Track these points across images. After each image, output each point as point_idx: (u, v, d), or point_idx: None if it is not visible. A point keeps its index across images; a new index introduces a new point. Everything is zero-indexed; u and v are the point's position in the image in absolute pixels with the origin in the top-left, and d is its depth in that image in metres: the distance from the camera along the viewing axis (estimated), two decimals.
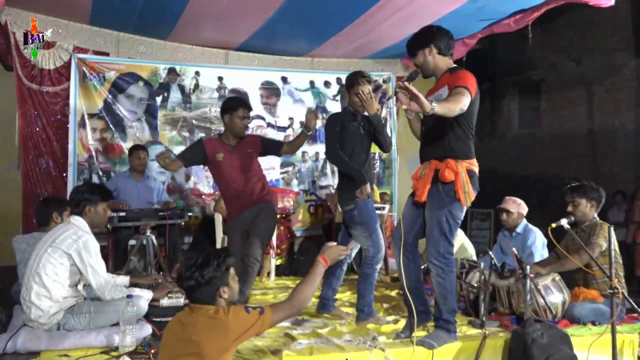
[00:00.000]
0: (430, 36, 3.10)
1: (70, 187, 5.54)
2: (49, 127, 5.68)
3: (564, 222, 3.17)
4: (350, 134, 3.66)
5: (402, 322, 3.47)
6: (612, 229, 3.09)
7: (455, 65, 3.17)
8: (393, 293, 4.55)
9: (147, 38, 6.10)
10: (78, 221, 3.10)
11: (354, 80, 3.67)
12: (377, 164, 7.08)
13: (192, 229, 5.86)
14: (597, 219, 3.74)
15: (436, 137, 3.08)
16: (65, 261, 2.96)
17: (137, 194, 5.21)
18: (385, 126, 4.08)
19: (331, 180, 6.69)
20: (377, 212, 5.10)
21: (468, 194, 3.00)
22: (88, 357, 2.74)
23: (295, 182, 6.66)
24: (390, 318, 3.67)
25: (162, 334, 2.27)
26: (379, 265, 3.75)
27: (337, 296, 4.03)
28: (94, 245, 3.03)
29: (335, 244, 2.55)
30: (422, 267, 4.55)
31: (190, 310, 2.21)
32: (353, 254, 3.96)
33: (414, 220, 3.20)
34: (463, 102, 2.82)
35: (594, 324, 3.39)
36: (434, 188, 3.05)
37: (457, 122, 3.02)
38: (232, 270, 2.25)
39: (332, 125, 3.70)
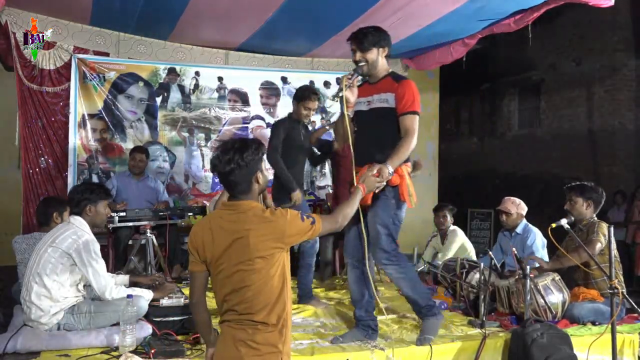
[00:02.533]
0: (386, 38, 3.11)
1: (70, 188, 5.55)
2: (49, 127, 5.68)
3: (563, 222, 3.17)
4: (293, 141, 4.03)
5: (407, 322, 3.50)
6: (611, 228, 3.10)
7: (392, 70, 3.19)
8: (393, 293, 4.55)
9: (147, 38, 6.10)
10: (78, 221, 3.10)
11: (307, 96, 3.99)
12: None
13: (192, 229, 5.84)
14: (595, 218, 3.74)
15: (377, 140, 3.07)
16: (66, 261, 2.96)
17: (137, 193, 5.22)
18: None
19: (329, 180, 6.69)
20: None
21: (412, 196, 3.05)
22: (88, 357, 2.74)
23: None
24: (390, 317, 3.66)
25: (196, 246, 2.12)
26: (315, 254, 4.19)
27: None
28: (95, 245, 3.03)
29: (375, 171, 2.60)
30: (420, 269, 4.59)
31: (232, 209, 2.11)
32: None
33: (356, 226, 3.12)
34: (414, 137, 2.98)
35: (593, 323, 3.39)
36: (380, 191, 3.01)
37: (397, 128, 3.04)
38: (265, 158, 2.23)
39: (278, 131, 4.03)
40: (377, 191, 2.91)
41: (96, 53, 5.87)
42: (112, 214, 4.51)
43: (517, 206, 4.41)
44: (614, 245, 3.05)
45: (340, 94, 2.99)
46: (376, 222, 3.04)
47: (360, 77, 3.10)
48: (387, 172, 2.84)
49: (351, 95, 3.03)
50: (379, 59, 3.09)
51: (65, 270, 2.97)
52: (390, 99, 3.04)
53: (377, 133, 3.08)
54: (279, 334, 2.03)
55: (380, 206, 3.03)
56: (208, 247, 2.09)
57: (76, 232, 3.03)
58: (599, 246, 3.53)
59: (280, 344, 2.03)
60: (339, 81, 3.04)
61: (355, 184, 2.96)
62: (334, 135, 3.94)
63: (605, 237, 3.55)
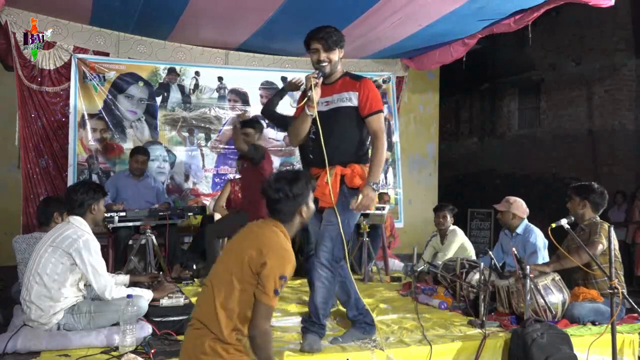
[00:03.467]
0: (344, 38, 3.10)
1: None
2: (49, 127, 5.69)
3: (563, 222, 3.17)
4: None
5: (406, 322, 3.50)
6: (612, 228, 3.10)
7: (347, 70, 3.17)
8: (392, 293, 4.56)
9: (147, 38, 6.10)
10: (78, 221, 3.10)
11: None
12: None
13: (192, 229, 5.86)
14: (598, 219, 3.73)
15: (339, 141, 3.01)
16: (66, 260, 2.96)
17: (137, 193, 5.21)
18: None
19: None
20: (377, 212, 5.15)
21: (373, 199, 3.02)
22: (88, 357, 2.74)
23: None
24: (391, 317, 3.67)
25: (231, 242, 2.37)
26: None
27: None
28: (95, 245, 3.03)
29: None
30: (420, 268, 4.58)
31: (266, 223, 2.30)
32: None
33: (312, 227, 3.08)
34: (385, 136, 3.01)
35: (593, 323, 3.39)
36: (340, 193, 2.98)
37: (359, 128, 3.03)
38: (312, 193, 2.38)
39: None
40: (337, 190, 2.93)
41: (96, 53, 5.87)
42: (112, 213, 4.51)
43: (510, 205, 4.36)
44: (615, 246, 3.04)
45: (310, 94, 2.93)
46: (329, 223, 2.97)
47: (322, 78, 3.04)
48: (373, 194, 2.91)
49: (316, 95, 2.97)
50: (338, 59, 3.07)
51: (66, 270, 2.97)
52: (354, 97, 3.02)
53: (341, 132, 3.02)
54: (226, 344, 2.10)
55: (337, 207, 2.95)
56: (231, 239, 2.34)
57: (76, 231, 3.03)
58: (600, 248, 3.51)
59: (225, 352, 2.09)
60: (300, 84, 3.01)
61: (319, 185, 2.93)
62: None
63: (607, 238, 3.52)
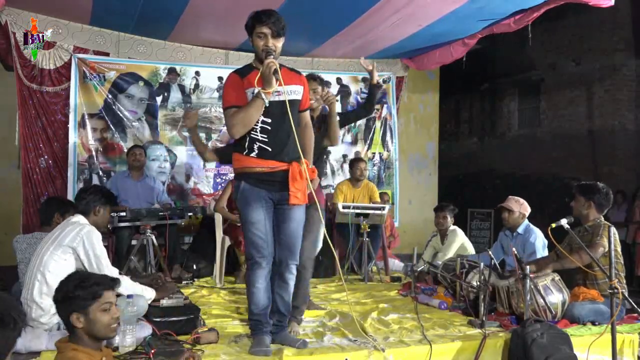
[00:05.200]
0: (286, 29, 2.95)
1: (70, 187, 5.58)
2: (49, 127, 5.69)
3: (563, 222, 3.17)
4: None
5: (406, 322, 3.51)
6: (612, 229, 3.09)
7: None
8: (393, 293, 4.56)
9: (147, 38, 6.10)
10: (79, 217, 3.13)
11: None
12: (379, 164, 7.11)
13: (192, 229, 5.86)
14: (602, 219, 3.71)
15: (291, 136, 2.87)
16: (69, 256, 2.97)
17: (137, 193, 5.22)
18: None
19: (331, 180, 6.70)
20: (377, 212, 5.14)
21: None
22: None
23: None
24: (391, 317, 3.67)
25: None
26: None
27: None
28: (97, 235, 3.05)
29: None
30: (420, 268, 4.58)
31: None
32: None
33: (271, 227, 2.95)
34: None
35: (593, 323, 3.39)
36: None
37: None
38: (104, 301, 2.02)
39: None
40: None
41: (96, 53, 5.88)
42: (112, 213, 4.51)
43: (520, 205, 4.39)
44: (617, 247, 3.04)
45: (277, 79, 2.78)
46: (300, 223, 2.93)
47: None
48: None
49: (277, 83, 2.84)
50: (280, 48, 2.93)
51: (69, 266, 2.97)
52: (300, 91, 2.97)
53: (295, 125, 2.87)
54: None
55: (300, 208, 2.91)
56: None
57: (77, 226, 3.04)
58: (601, 250, 3.48)
59: None
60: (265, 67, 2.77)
61: (295, 180, 2.79)
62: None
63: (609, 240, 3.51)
